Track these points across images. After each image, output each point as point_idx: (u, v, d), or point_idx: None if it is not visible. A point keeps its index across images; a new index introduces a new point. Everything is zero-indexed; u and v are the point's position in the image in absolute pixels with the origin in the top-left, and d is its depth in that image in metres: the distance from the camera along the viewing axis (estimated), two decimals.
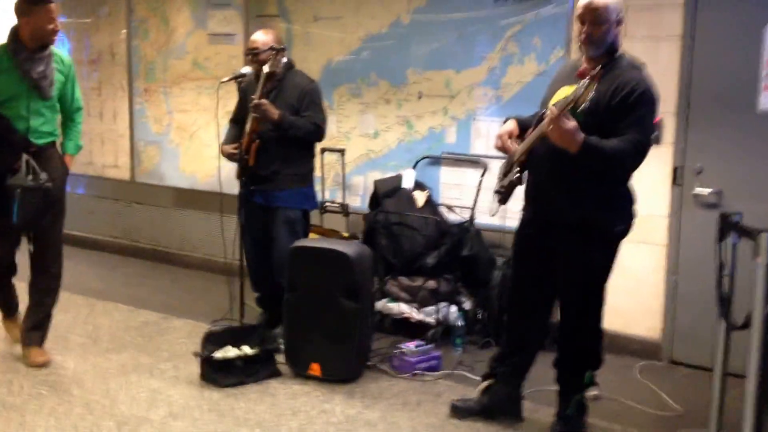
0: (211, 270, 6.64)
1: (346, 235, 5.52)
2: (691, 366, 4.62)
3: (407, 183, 5.23)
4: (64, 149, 4.51)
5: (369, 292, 4.39)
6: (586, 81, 3.11)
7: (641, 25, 4.54)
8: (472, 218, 5.06)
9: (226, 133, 5.11)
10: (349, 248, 4.27)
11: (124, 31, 6.99)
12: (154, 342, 5.00)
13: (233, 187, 6.25)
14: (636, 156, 3.25)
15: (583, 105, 3.21)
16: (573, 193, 3.38)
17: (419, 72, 5.42)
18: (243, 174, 4.85)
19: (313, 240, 4.87)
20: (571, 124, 3.11)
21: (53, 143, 4.42)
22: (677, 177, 4.55)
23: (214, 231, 6.59)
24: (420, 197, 5.16)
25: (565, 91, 3.36)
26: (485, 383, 3.89)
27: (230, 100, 6.28)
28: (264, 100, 4.56)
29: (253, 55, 4.74)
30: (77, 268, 6.58)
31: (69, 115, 4.52)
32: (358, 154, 5.74)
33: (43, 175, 4.20)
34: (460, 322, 4.81)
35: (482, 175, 5.13)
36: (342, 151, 5.69)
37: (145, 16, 6.86)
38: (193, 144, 6.70)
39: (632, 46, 4.47)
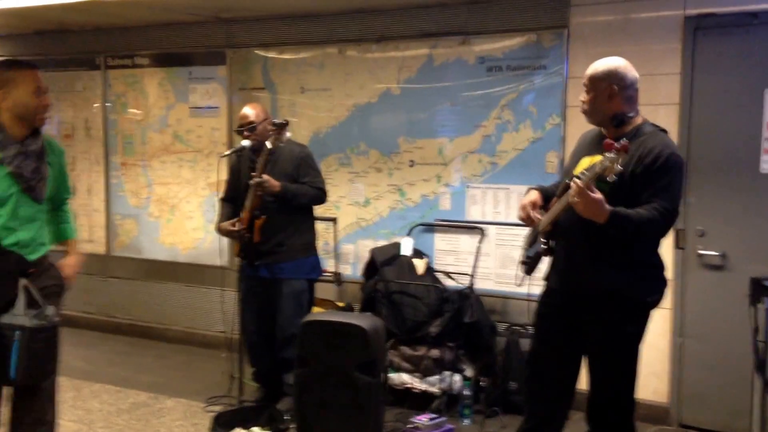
0: (194, 344, 6.50)
1: (341, 304, 5.45)
2: (701, 429, 4.61)
3: (406, 250, 5.19)
4: (63, 235, 3.78)
5: (383, 365, 4.30)
6: (612, 154, 2.99)
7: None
8: (471, 285, 5.03)
9: (219, 212, 5.03)
10: (363, 321, 4.19)
11: (97, 105, 6.90)
12: (151, 426, 4.81)
13: (214, 258, 6.24)
14: (664, 224, 3.21)
15: (610, 177, 3.08)
16: (603, 264, 3.28)
17: (411, 140, 5.44)
18: (246, 250, 4.76)
19: (324, 313, 4.77)
20: (598, 196, 3.04)
21: (46, 253, 3.52)
22: (679, 240, 4.60)
23: (195, 304, 6.51)
24: (420, 265, 5.12)
25: (589, 161, 3.31)
26: None
27: (212, 173, 6.29)
28: (265, 176, 4.51)
29: (250, 129, 4.70)
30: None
31: (58, 205, 3.75)
32: (348, 222, 5.70)
33: (50, 309, 3.29)
34: (466, 392, 4.74)
35: (480, 242, 5.13)
36: (334, 220, 5.65)
37: (122, 91, 6.79)
38: (174, 216, 6.58)
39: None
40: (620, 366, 3.42)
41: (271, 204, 4.63)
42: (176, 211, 6.57)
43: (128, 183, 6.82)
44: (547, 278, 3.61)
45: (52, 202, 3.63)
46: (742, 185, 4.44)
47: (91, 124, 6.98)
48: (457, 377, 4.87)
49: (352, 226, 5.69)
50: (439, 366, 4.85)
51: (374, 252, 5.25)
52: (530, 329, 4.94)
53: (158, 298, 6.73)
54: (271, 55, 5.96)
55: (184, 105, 6.43)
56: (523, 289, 4.96)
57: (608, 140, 3.06)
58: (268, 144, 4.46)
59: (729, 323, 4.48)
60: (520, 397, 4.80)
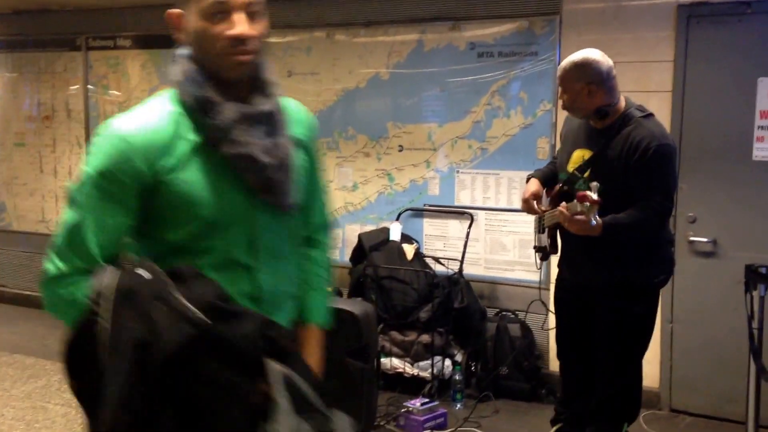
0: None
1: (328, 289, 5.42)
2: (692, 414, 4.66)
3: (395, 236, 5.18)
4: (308, 316, 2.13)
5: (376, 350, 4.29)
6: (587, 205, 3.06)
7: (631, 79, 4.64)
8: (461, 270, 5.04)
9: None
10: (354, 307, 4.16)
11: (77, 86, 6.79)
12: None
13: None
14: (661, 219, 3.31)
15: (594, 162, 3.28)
16: (609, 257, 3.35)
17: (399, 125, 5.42)
18: None
19: None
20: (583, 218, 3.09)
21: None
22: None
23: None
24: (409, 250, 5.12)
25: (580, 155, 3.42)
26: (554, 428, 3.88)
27: None
28: None
29: None
30: (36, 330, 6.31)
31: (312, 235, 2.11)
32: (335, 206, 5.67)
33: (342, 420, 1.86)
34: (458, 376, 4.75)
35: (469, 227, 5.14)
36: None
37: (104, 72, 6.69)
38: None
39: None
40: (628, 348, 3.50)
41: None
42: None
43: None
44: (560, 265, 3.71)
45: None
46: (735, 172, 4.47)
47: (72, 106, 6.87)
48: (447, 362, 4.89)
49: (339, 210, 5.67)
50: (429, 351, 4.86)
51: (362, 237, 5.23)
52: (519, 315, 4.99)
53: None
54: None
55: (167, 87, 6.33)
56: (513, 275, 5.05)
57: (580, 194, 3.10)
58: None
59: (719, 309, 4.53)
60: (511, 382, 4.84)
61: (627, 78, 4.63)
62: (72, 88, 6.85)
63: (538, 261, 3.91)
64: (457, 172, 5.26)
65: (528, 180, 3.80)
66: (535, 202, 3.60)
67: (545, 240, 3.70)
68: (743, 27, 4.42)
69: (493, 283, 5.19)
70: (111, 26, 6.60)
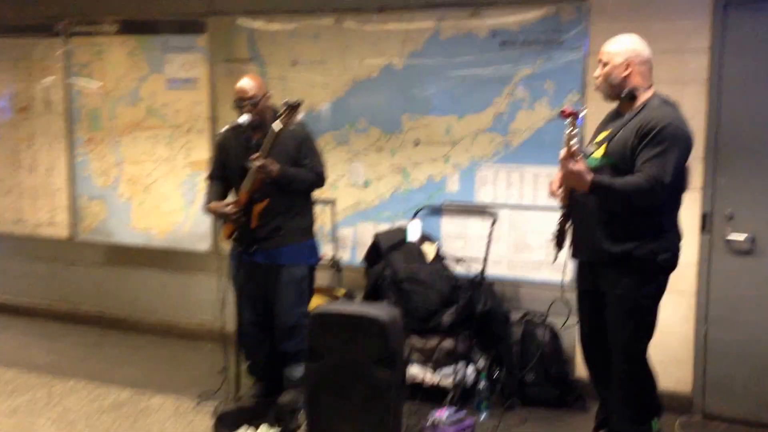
0: (173, 335, 6.10)
1: (341, 292, 5.12)
2: (727, 419, 4.45)
3: (413, 235, 4.89)
4: None
5: (402, 358, 4.00)
6: (566, 121, 3.27)
7: (664, 69, 4.39)
8: (483, 271, 4.76)
9: (208, 190, 4.64)
10: (380, 312, 3.88)
11: (56, 76, 6.37)
12: (140, 425, 4.44)
13: (196, 242, 5.84)
14: (651, 192, 3.22)
15: (574, 144, 3.29)
16: (613, 229, 3.38)
17: (415, 118, 5.12)
18: (242, 235, 4.40)
19: (336, 304, 4.42)
20: (577, 166, 3.22)
21: None
22: (706, 223, 4.41)
23: (173, 292, 6.11)
24: (430, 250, 4.83)
25: (603, 135, 3.50)
26: None
27: (192, 150, 5.87)
28: (268, 160, 4.15)
29: (252, 104, 4.32)
30: (16, 340, 5.95)
31: None
32: (346, 204, 5.37)
33: None
34: (483, 384, 4.48)
35: (492, 225, 4.86)
36: (332, 202, 5.30)
37: (87, 61, 6.28)
38: (148, 197, 6.13)
39: (656, 89, 4.36)
40: (634, 328, 3.48)
41: (270, 187, 4.28)
42: (150, 191, 6.12)
43: (95, 161, 6.33)
44: (572, 252, 3.69)
45: None
46: None
47: (51, 97, 6.45)
48: (470, 369, 4.61)
49: (350, 208, 5.36)
50: (451, 357, 4.58)
51: (378, 236, 4.93)
52: (545, 317, 4.74)
53: (130, 286, 6.28)
54: (258, 24, 5.56)
55: (160, 77, 5.97)
56: (537, 275, 4.80)
57: (563, 108, 3.32)
58: (276, 125, 4.09)
59: (756, 310, 4.35)
60: (537, 388, 4.60)
61: (660, 67, 4.34)
62: (50, 77, 6.42)
63: (554, 252, 3.76)
64: (478, 167, 4.98)
65: None
66: (556, 187, 3.60)
67: (559, 220, 3.68)
68: None
69: (517, 284, 4.92)
70: (94, 10, 6.18)
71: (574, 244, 3.63)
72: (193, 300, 6.02)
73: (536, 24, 4.75)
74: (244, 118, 4.30)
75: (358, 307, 4.14)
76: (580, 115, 3.33)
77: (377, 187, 5.29)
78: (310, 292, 4.57)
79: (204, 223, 5.89)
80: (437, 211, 5.12)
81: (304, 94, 5.33)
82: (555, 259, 3.74)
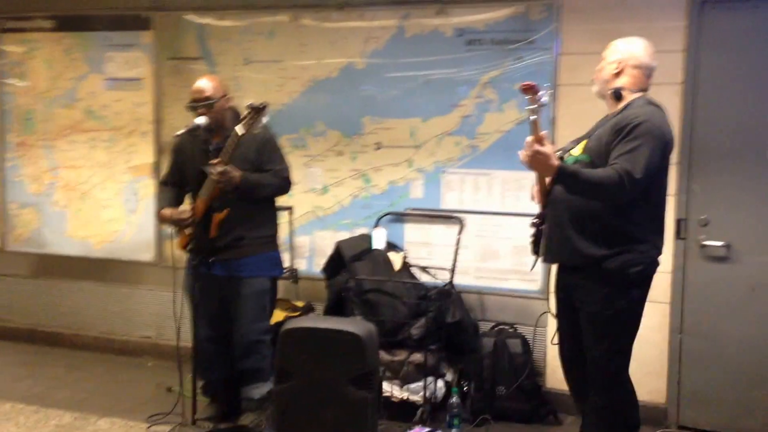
0: (113, 351, 5.71)
1: (299, 304, 4.85)
2: (703, 431, 4.34)
3: (378, 243, 4.65)
4: None
5: (378, 376, 3.76)
6: (530, 94, 3.09)
7: None
8: (452, 281, 4.56)
9: (159, 197, 4.33)
10: (356, 328, 3.63)
11: None
12: None
13: (138, 253, 5.48)
14: (620, 185, 3.03)
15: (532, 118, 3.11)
16: (585, 232, 3.21)
17: (377, 120, 4.89)
18: (199, 245, 4.09)
19: (307, 319, 4.13)
20: (544, 149, 3.04)
21: None
22: (681, 230, 4.30)
23: (113, 306, 5.75)
24: (396, 259, 4.60)
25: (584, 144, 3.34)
26: None
27: (135, 154, 5.53)
28: (229, 166, 3.87)
29: (207, 106, 4.02)
30: None
31: None
32: (303, 211, 5.09)
33: None
34: (455, 399, 4.26)
35: (460, 233, 4.66)
36: (289, 209, 5.02)
37: (19, 59, 5.86)
38: (85, 205, 5.74)
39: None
40: (608, 343, 3.29)
41: (231, 194, 3.99)
42: (88, 199, 5.73)
43: (27, 166, 5.90)
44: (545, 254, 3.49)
45: None
46: (750, 172, 4.17)
47: None
48: (440, 383, 4.40)
49: (307, 215, 5.09)
50: (421, 372, 4.36)
51: (341, 245, 4.67)
52: (518, 328, 4.57)
53: (66, 300, 5.87)
54: (208, 21, 5.25)
55: (99, 76, 5.60)
56: (505, 284, 4.62)
57: (522, 83, 3.11)
58: (240, 129, 3.81)
59: (732, 318, 4.24)
60: (510, 402, 4.41)
61: None
62: None
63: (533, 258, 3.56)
64: (444, 172, 4.78)
65: None
66: (537, 189, 3.42)
67: (535, 222, 3.48)
68: (760, 14, 4.12)
69: (485, 293, 4.73)
70: (27, 5, 5.78)
71: (546, 246, 3.43)
72: (134, 314, 5.67)
73: (504, 23, 4.58)
74: (201, 120, 4.00)
75: (331, 322, 3.86)
76: (541, 91, 3.09)
77: (336, 193, 5.03)
78: (272, 306, 4.30)
79: (147, 232, 5.54)
80: (400, 218, 4.89)
81: (257, 95, 5.00)
82: (533, 266, 3.56)
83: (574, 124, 4.42)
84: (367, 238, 4.72)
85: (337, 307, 4.54)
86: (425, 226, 4.84)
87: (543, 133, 3.10)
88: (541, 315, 4.33)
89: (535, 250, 3.51)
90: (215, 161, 3.88)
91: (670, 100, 4.22)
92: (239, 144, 3.85)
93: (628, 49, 3.33)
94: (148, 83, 5.46)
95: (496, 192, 4.66)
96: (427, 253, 4.82)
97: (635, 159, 3.06)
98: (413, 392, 4.35)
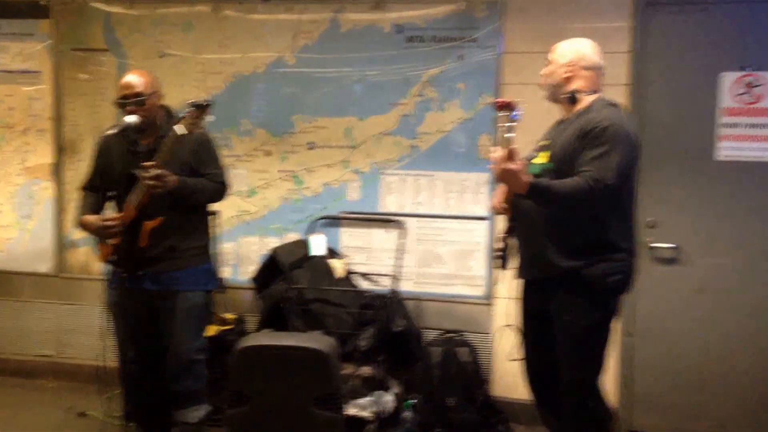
0: (6, 373, 5.15)
1: (230, 317, 4.51)
2: None
3: (318, 250, 4.38)
4: None
5: (342, 394, 3.50)
6: (505, 111, 2.88)
7: None
8: (396, 287, 4.35)
9: (81, 203, 3.90)
10: (319, 344, 3.38)
11: None
12: None
13: (34, 263, 4.98)
14: (591, 193, 2.91)
15: (507, 139, 2.89)
16: (559, 245, 3.08)
17: (309, 119, 4.61)
18: (125, 256, 3.68)
19: (262, 336, 3.77)
20: (513, 165, 2.85)
21: None
22: None
23: (5, 321, 5.19)
24: (338, 266, 4.34)
25: (543, 143, 3.23)
26: None
27: (30, 154, 5.02)
28: (163, 170, 3.50)
29: (137, 103, 3.63)
30: None
31: None
32: (227, 216, 4.73)
33: None
34: (408, 413, 4.06)
35: (401, 237, 4.46)
36: (214, 214, 4.62)
37: None
38: None
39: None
40: (583, 356, 3.17)
41: (162, 200, 3.62)
42: None
43: None
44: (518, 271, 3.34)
45: None
46: (697, 173, 4.18)
47: None
48: (389, 397, 4.18)
49: (232, 220, 4.74)
50: (368, 385, 4.12)
51: (277, 251, 4.37)
52: (466, 336, 4.41)
53: None
54: (116, 9, 4.81)
55: None
56: (448, 290, 4.46)
57: (497, 99, 3.00)
58: (179, 129, 3.43)
59: (681, 320, 4.26)
60: (460, 413, 4.24)
61: None
62: None
63: (498, 271, 3.41)
64: (382, 173, 4.56)
65: None
66: (499, 200, 3.28)
67: (501, 234, 3.33)
68: (706, 17, 4.15)
69: (426, 299, 4.54)
70: None
71: (521, 262, 3.29)
72: (30, 331, 5.13)
73: (445, 20, 4.40)
74: (131, 119, 3.59)
75: (291, 338, 3.58)
76: (516, 109, 2.91)
77: (264, 195, 4.72)
78: (207, 322, 3.95)
79: (44, 240, 5.03)
80: (335, 222, 4.63)
81: (172, 91, 4.61)
82: (495, 282, 3.41)
83: (519, 125, 4.32)
84: (304, 244, 4.43)
85: (274, 318, 4.23)
86: (363, 230, 4.61)
87: (513, 147, 2.89)
88: (506, 325, 4.11)
89: (502, 264, 3.34)
90: (149, 164, 3.49)
91: (615, 98, 4.19)
92: (177, 145, 3.49)
93: (577, 51, 3.22)
94: (47, 76, 4.95)
95: (439, 194, 4.49)
96: (366, 258, 4.59)
97: (605, 165, 2.94)
98: (361, 408, 4.10)
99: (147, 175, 3.45)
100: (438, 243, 4.52)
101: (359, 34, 4.51)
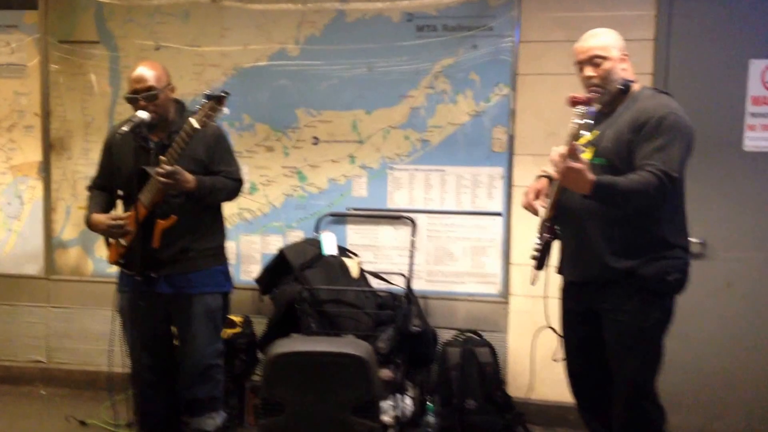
0: None
1: (237, 319, 4.33)
2: None
3: (329, 248, 4.21)
4: None
5: (379, 402, 3.35)
6: (577, 110, 2.76)
7: None
8: (410, 286, 4.21)
9: (89, 202, 3.69)
10: (356, 349, 3.22)
11: None
12: None
13: (21, 266, 4.75)
14: (662, 189, 2.80)
15: (583, 136, 2.81)
16: (614, 244, 2.95)
17: (314, 113, 4.44)
18: (137, 257, 3.48)
19: (295, 341, 3.56)
20: (577, 165, 2.72)
21: None
22: None
23: None
24: (353, 266, 4.17)
25: (584, 139, 2.95)
26: None
27: (16, 152, 4.78)
28: (177, 168, 3.32)
29: (150, 97, 3.43)
30: None
31: None
32: (227, 214, 4.48)
33: None
34: (430, 417, 3.92)
35: (413, 234, 4.32)
36: None
37: None
38: None
39: None
40: (644, 357, 3.05)
41: (175, 200, 3.44)
42: None
43: None
44: (560, 270, 3.22)
45: None
46: (724, 165, 4.07)
47: None
48: (408, 400, 4.04)
49: (232, 218, 4.54)
50: (387, 389, 3.97)
51: (287, 251, 4.18)
52: (483, 336, 4.28)
53: None
54: None
55: None
56: (461, 288, 4.34)
57: (572, 95, 2.84)
58: (195, 123, 3.25)
59: (708, 317, 4.13)
60: (481, 416, 4.11)
61: None
62: None
63: (534, 272, 3.24)
64: (391, 168, 4.41)
65: (537, 178, 3.28)
66: (534, 198, 3.14)
67: (543, 235, 3.14)
68: (732, 3, 4.04)
69: (438, 298, 4.40)
70: None
71: (567, 261, 3.17)
72: (19, 335, 4.89)
73: (459, 8, 4.26)
74: (144, 115, 3.39)
75: (326, 344, 3.40)
76: (592, 105, 2.83)
77: (266, 192, 4.54)
78: (223, 325, 3.77)
79: (33, 241, 4.81)
80: (341, 219, 4.47)
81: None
82: (534, 280, 3.23)
83: (535, 116, 4.22)
84: (314, 243, 4.26)
85: (287, 321, 4.05)
86: (370, 227, 4.45)
87: (577, 144, 2.77)
88: (540, 329, 3.90)
89: (539, 265, 3.20)
90: (164, 160, 3.31)
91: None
92: (192, 141, 3.31)
93: (618, 38, 3.06)
94: (34, 70, 4.71)
95: (450, 189, 4.35)
96: (373, 256, 4.43)
97: (669, 157, 2.82)
98: (382, 412, 3.95)
99: (161, 171, 3.27)
100: (450, 240, 4.38)
101: (367, 24, 4.34)
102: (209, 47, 4.51)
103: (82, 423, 4.22)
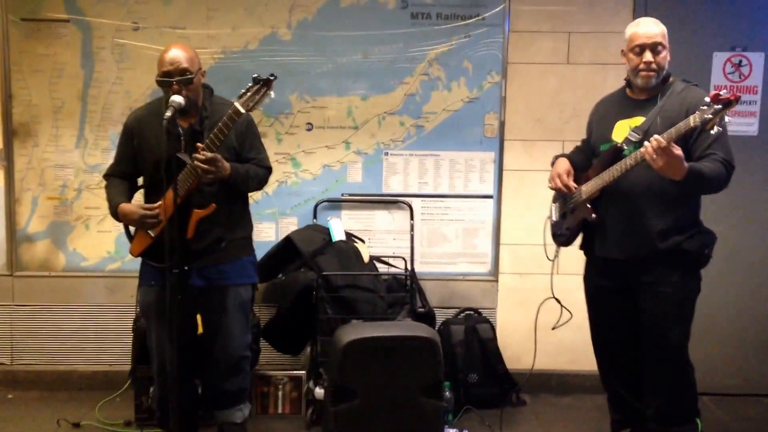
0: None
1: None
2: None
3: (338, 234, 4.23)
4: None
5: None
6: (718, 107, 2.89)
7: (585, 50, 4.39)
8: (413, 269, 4.32)
9: (111, 191, 3.52)
10: (425, 332, 3.31)
11: None
12: None
13: None
14: (728, 177, 3.15)
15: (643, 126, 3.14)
16: (669, 222, 3.20)
17: (308, 99, 4.42)
18: (169, 249, 3.36)
19: (364, 327, 3.52)
20: (680, 152, 2.95)
21: None
22: None
23: None
24: (364, 250, 4.22)
25: (627, 124, 3.28)
26: None
27: None
28: (216, 154, 3.26)
29: (185, 81, 3.33)
30: None
31: None
32: None
33: None
34: (448, 393, 4.06)
35: (411, 217, 4.43)
36: None
37: None
38: None
39: (575, 70, 4.34)
40: (683, 325, 3.33)
41: (208, 187, 3.38)
42: None
43: None
44: (591, 248, 3.46)
45: None
46: None
47: None
48: None
49: None
50: None
51: (294, 237, 4.16)
52: (484, 313, 4.47)
53: None
54: None
55: None
56: (454, 268, 4.51)
57: (715, 93, 2.94)
58: (240, 106, 3.19)
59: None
60: (482, 389, 4.32)
61: (583, 49, 4.40)
62: None
63: (555, 250, 3.56)
64: (386, 154, 4.47)
65: (554, 161, 3.56)
66: (569, 180, 3.40)
67: (581, 215, 3.39)
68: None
69: (431, 279, 4.53)
70: None
71: (611, 239, 3.34)
72: None
73: None
74: (178, 99, 3.28)
75: (395, 328, 3.45)
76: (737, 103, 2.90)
77: None
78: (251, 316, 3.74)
79: None
80: (336, 204, 4.49)
81: (147, 68, 4.29)
82: (555, 256, 3.49)
83: (525, 104, 4.42)
84: (318, 229, 4.27)
85: (300, 308, 4.04)
86: (365, 212, 4.51)
87: (676, 136, 2.97)
88: (544, 300, 4.01)
89: (566, 241, 3.47)
90: (201, 147, 3.23)
91: (616, 80, 4.26)
92: (198, 118, 3.30)
93: (666, 33, 3.28)
94: None
95: (444, 174, 4.48)
96: (369, 241, 4.49)
97: (725, 146, 3.12)
98: None
99: (200, 158, 3.19)
100: (443, 222, 4.52)
101: (361, 9, 4.37)
102: (195, 30, 4.36)
103: (76, 425, 4.02)
